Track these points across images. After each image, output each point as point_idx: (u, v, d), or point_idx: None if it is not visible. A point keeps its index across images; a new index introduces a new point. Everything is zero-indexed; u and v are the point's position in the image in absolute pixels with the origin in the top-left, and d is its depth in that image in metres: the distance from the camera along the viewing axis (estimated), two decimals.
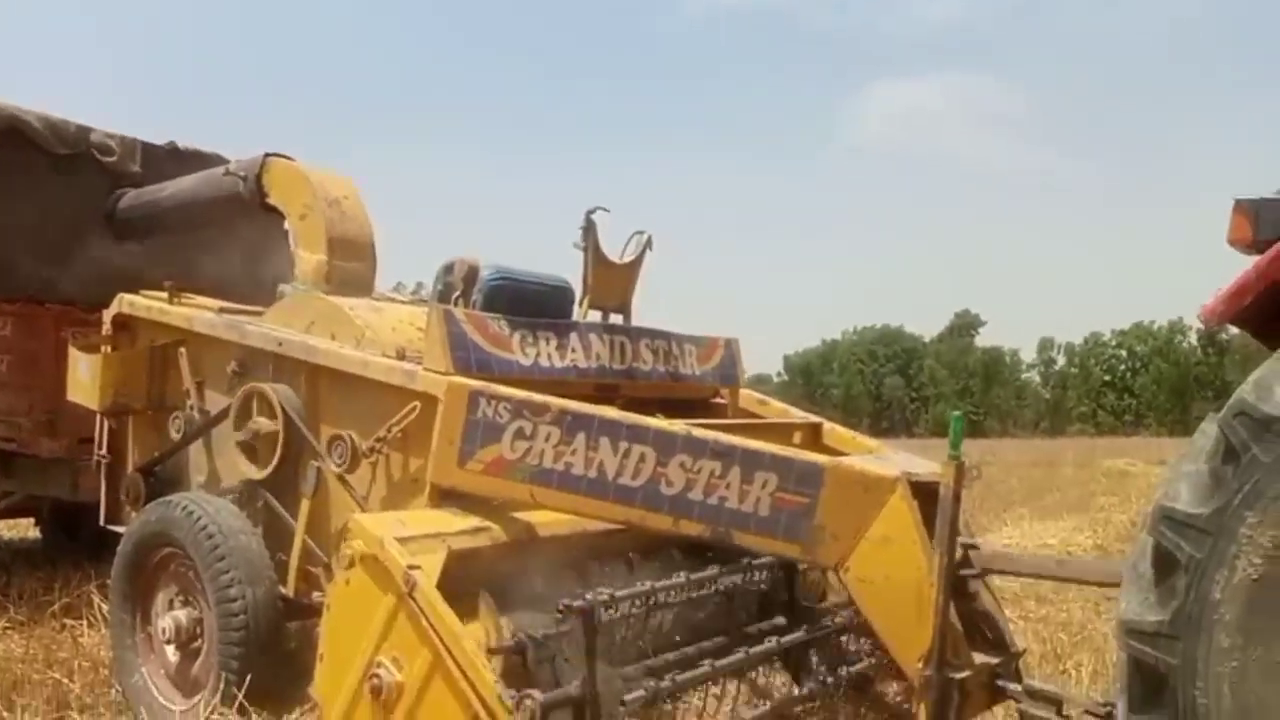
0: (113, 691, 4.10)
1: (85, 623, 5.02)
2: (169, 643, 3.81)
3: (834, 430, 4.28)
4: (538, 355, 3.76)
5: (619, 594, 3.03)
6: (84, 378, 4.65)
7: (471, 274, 3.78)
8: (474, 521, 3.32)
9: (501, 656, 2.87)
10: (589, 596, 2.85)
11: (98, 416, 4.74)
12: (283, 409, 3.77)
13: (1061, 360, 72.38)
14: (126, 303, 4.65)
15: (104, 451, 4.72)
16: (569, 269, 4.31)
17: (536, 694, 2.68)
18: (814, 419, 4.37)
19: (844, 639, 3.71)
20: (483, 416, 3.36)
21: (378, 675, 2.97)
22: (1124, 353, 70.71)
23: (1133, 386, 68.18)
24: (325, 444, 3.66)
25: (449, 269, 3.85)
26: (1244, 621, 2.07)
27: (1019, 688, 3.12)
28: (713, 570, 3.40)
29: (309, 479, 3.67)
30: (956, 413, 3.15)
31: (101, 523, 4.73)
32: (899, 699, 3.66)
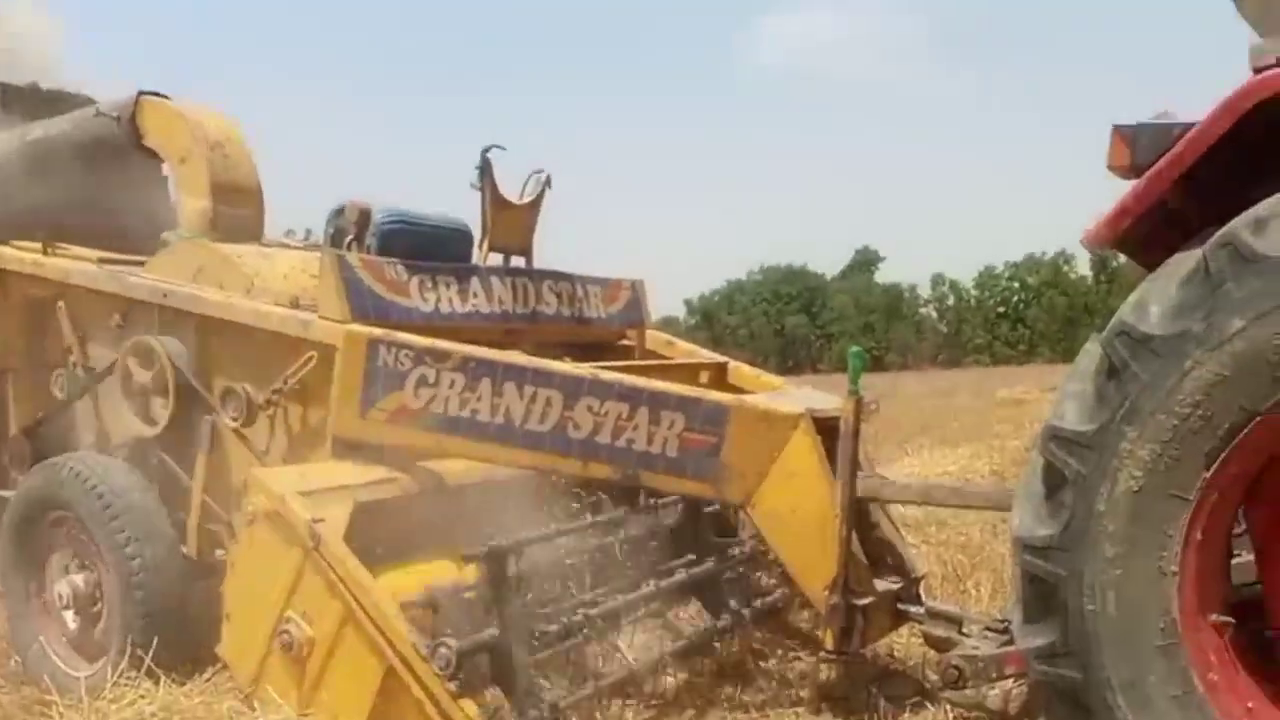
0: (12, 662, 3.95)
1: None
2: (67, 608, 3.68)
3: (739, 369, 4.32)
4: (438, 301, 3.69)
5: (524, 538, 3.03)
6: None
7: (364, 217, 3.67)
8: (380, 473, 3.27)
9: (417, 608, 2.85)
10: (492, 543, 2.84)
11: None
12: (171, 363, 3.62)
13: (952, 297, 74.43)
14: None
15: None
16: (467, 212, 4.24)
17: (451, 641, 2.68)
18: (720, 358, 4.41)
19: (757, 574, 3.78)
20: (383, 365, 3.29)
21: (287, 631, 2.93)
22: (1016, 284, 73.06)
23: (1025, 317, 70.59)
24: (219, 397, 3.54)
25: (339, 212, 3.73)
26: (1126, 532, 2.18)
27: (921, 610, 3.25)
28: (618, 512, 3.41)
29: (203, 434, 3.55)
30: (855, 349, 3.22)
31: None
32: (808, 626, 3.76)
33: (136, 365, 3.72)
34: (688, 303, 74.05)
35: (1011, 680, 2.86)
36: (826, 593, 3.06)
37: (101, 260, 4.21)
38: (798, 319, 71.78)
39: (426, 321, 3.60)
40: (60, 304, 4.15)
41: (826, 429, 3.18)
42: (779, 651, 3.74)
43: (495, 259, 4.16)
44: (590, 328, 4.36)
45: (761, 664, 3.64)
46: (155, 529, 3.49)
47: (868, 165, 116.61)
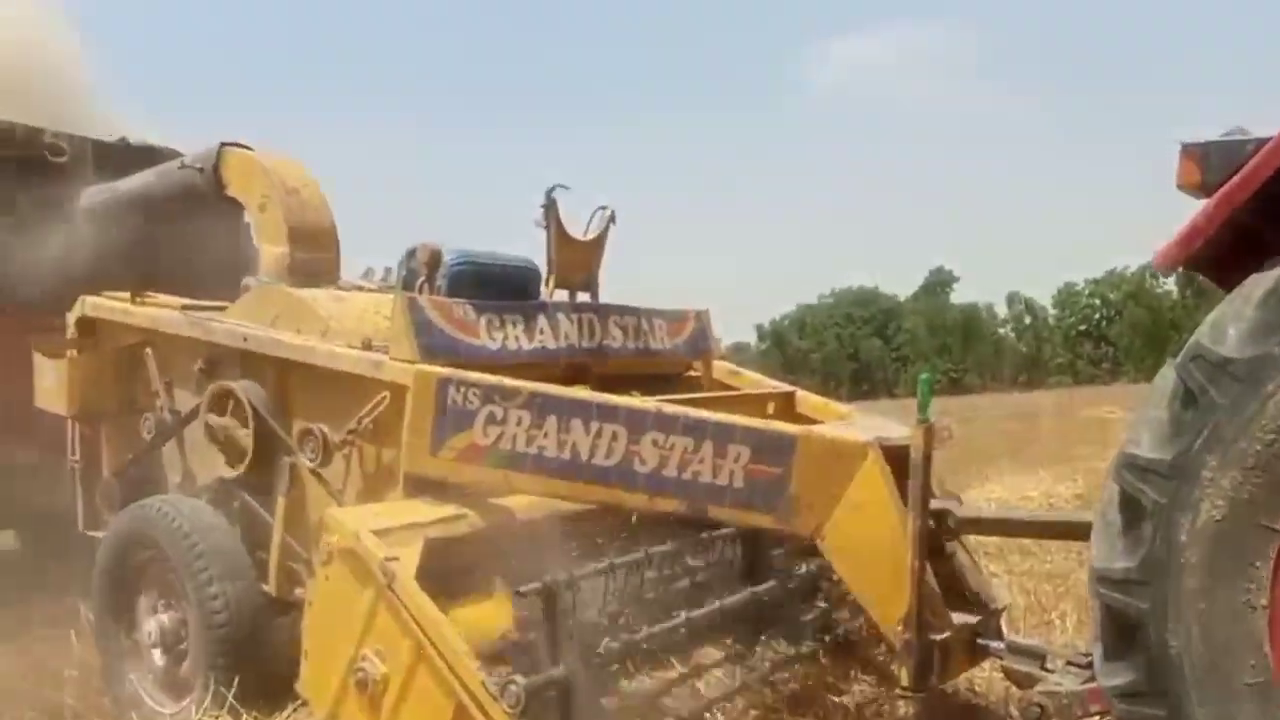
0: (105, 700, 4.09)
1: (72, 632, 5.00)
2: (155, 647, 3.80)
3: (806, 398, 4.29)
4: (505, 339, 3.74)
5: (579, 573, 3.04)
6: (50, 383, 4.59)
7: (434, 259, 3.75)
8: (450, 510, 3.31)
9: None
10: (547, 579, 2.85)
11: (68, 421, 4.69)
12: (251, 406, 3.74)
13: (1028, 316, 72.80)
14: (89, 305, 4.59)
15: (76, 457, 4.67)
16: (533, 247, 4.29)
17: (519, 679, 2.69)
18: (786, 388, 4.38)
19: (829, 606, 3.73)
20: (453, 404, 3.34)
21: (363, 669, 2.97)
22: (1098, 301, 71.20)
23: (1109, 334, 68.75)
24: (297, 439, 3.64)
25: (411, 254, 3.82)
26: (1210, 563, 2.10)
27: (1001, 645, 3.16)
28: (674, 544, 3.41)
29: (283, 475, 3.65)
30: (924, 375, 3.16)
31: (80, 528, 4.69)
32: (884, 660, 3.69)
33: (219, 409, 3.85)
34: (758, 328, 73.73)
35: (1099, 718, 2.78)
36: (900, 628, 3.00)
37: (185, 307, 4.37)
38: (871, 342, 70.96)
39: (494, 359, 3.66)
40: (148, 350, 4.33)
41: (897, 459, 3.13)
42: (854, 686, 3.67)
43: (561, 295, 4.21)
44: (656, 360, 4.38)
45: (835, 698, 3.58)
46: (237, 568, 3.60)
47: (937, 185, 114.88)
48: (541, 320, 3.88)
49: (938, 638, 3.01)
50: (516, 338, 3.78)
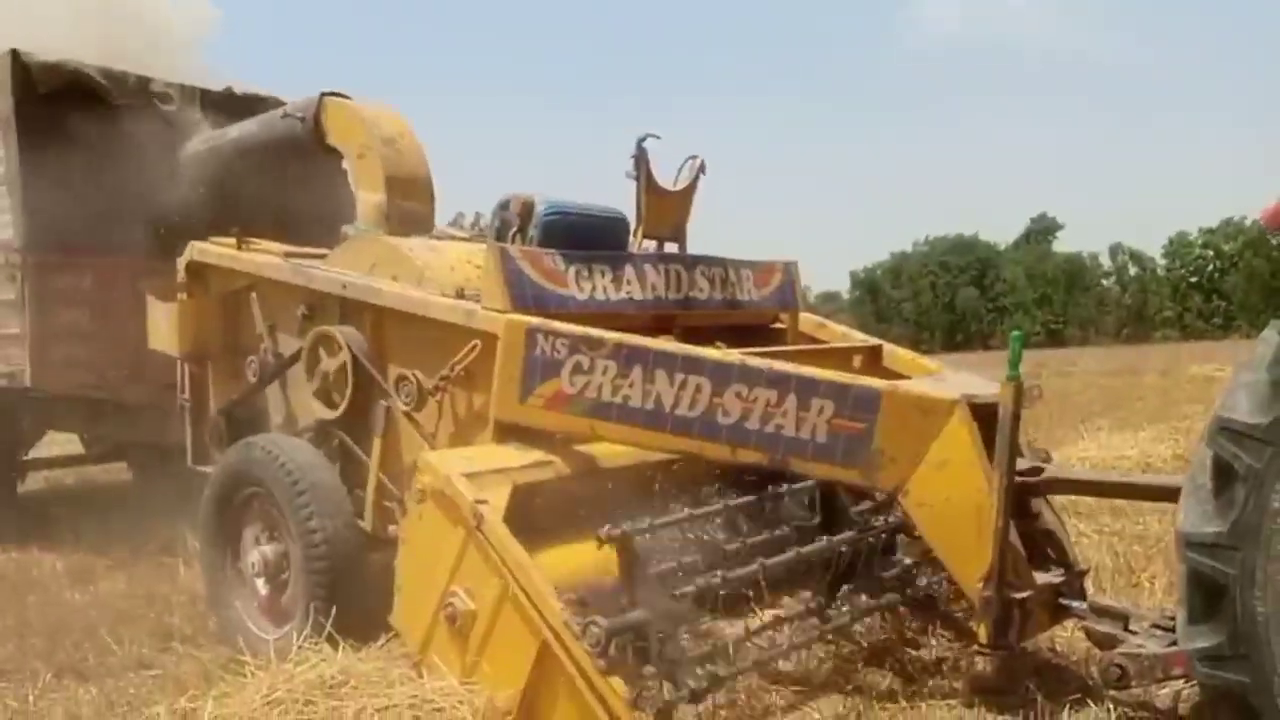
0: (210, 623, 4.36)
1: (180, 560, 5.32)
2: (258, 576, 4.01)
3: (894, 352, 4.25)
4: (593, 289, 3.79)
5: (659, 520, 3.10)
6: (163, 325, 4.83)
7: (527, 210, 3.80)
8: (536, 455, 3.40)
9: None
10: (626, 526, 2.92)
11: (178, 362, 4.93)
12: (350, 350, 3.88)
13: (1133, 267, 69.85)
14: (198, 250, 4.79)
15: (186, 395, 4.92)
16: (624, 201, 4.31)
17: (601, 620, 2.77)
18: (873, 341, 4.34)
19: (906, 560, 3.73)
20: (541, 353, 3.42)
21: (452, 604, 3.10)
22: (1211, 252, 67.93)
23: (1221, 287, 65.68)
24: (393, 383, 3.77)
25: (504, 205, 3.88)
26: None
27: (1084, 605, 3.13)
28: (752, 496, 3.45)
29: (378, 418, 3.79)
30: (1016, 332, 3.11)
31: (189, 463, 4.95)
32: (962, 616, 3.68)
33: (320, 352, 4.01)
34: (852, 274, 72.42)
35: (1183, 681, 2.74)
36: (981, 585, 2.99)
37: (288, 254, 4.54)
38: (968, 292, 69.14)
39: (582, 309, 3.72)
40: (253, 294, 4.51)
41: (984, 416, 3.10)
42: (931, 641, 3.68)
43: (650, 246, 4.23)
44: (743, 311, 4.39)
45: (912, 652, 3.60)
46: (337, 505, 3.76)
47: (1043, 133, 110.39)
48: (629, 270, 3.92)
49: (1019, 596, 3.01)
50: (604, 288, 3.83)
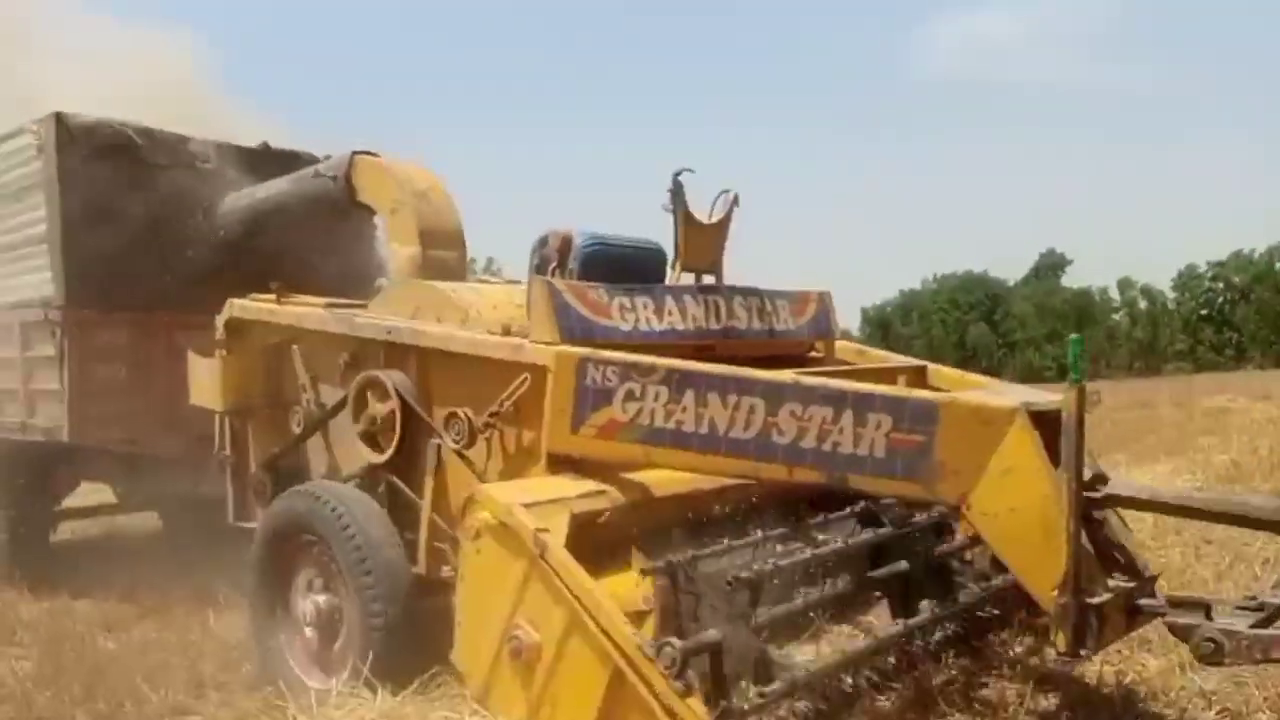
0: (244, 669, 4.36)
1: (210, 609, 5.33)
2: (309, 624, 3.97)
3: (940, 371, 4.25)
4: (636, 320, 3.82)
5: (782, 563, 3.08)
6: (205, 381, 4.85)
7: (566, 244, 3.84)
8: (591, 485, 3.39)
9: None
10: (672, 558, 2.91)
11: (217, 416, 4.95)
12: (397, 393, 3.89)
13: (1143, 301, 69.92)
14: (238, 307, 4.83)
15: (226, 451, 4.92)
16: (649, 231, 4.35)
17: (675, 641, 2.73)
18: (918, 362, 4.35)
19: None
20: (592, 382, 3.42)
21: (516, 637, 3.06)
22: (1220, 284, 67.93)
23: (1233, 319, 65.56)
24: (442, 422, 3.76)
25: (543, 242, 3.92)
26: None
27: (1161, 602, 3.07)
28: (819, 519, 3.42)
29: (430, 457, 3.78)
30: (1075, 336, 3.10)
31: (230, 520, 4.94)
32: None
33: (366, 398, 4.02)
34: (863, 311, 72.49)
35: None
36: (1055, 593, 2.94)
37: (328, 305, 4.57)
38: (978, 328, 69.08)
39: (627, 340, 3.74)
40: (294, 347, 4.54)
41: (1044, 423, 3.08)
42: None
43: (687, 278, 4.26)
44: (780, 341, 4.40)
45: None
46: (391, 553, 3.74)
47: (1049, 167, 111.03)
48: (669, 302, 3.94)
49: (1094, 601, 2.95)
50: (647, 319, 3.85)
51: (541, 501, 3.19)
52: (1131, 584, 3.15)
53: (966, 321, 69.54)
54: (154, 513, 7.86)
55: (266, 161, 6.53)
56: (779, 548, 3.43)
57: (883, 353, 4.60)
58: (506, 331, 3.74)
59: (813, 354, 4.61)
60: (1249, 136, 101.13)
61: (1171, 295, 69.71)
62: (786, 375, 3.34)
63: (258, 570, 4.17)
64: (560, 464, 3.48)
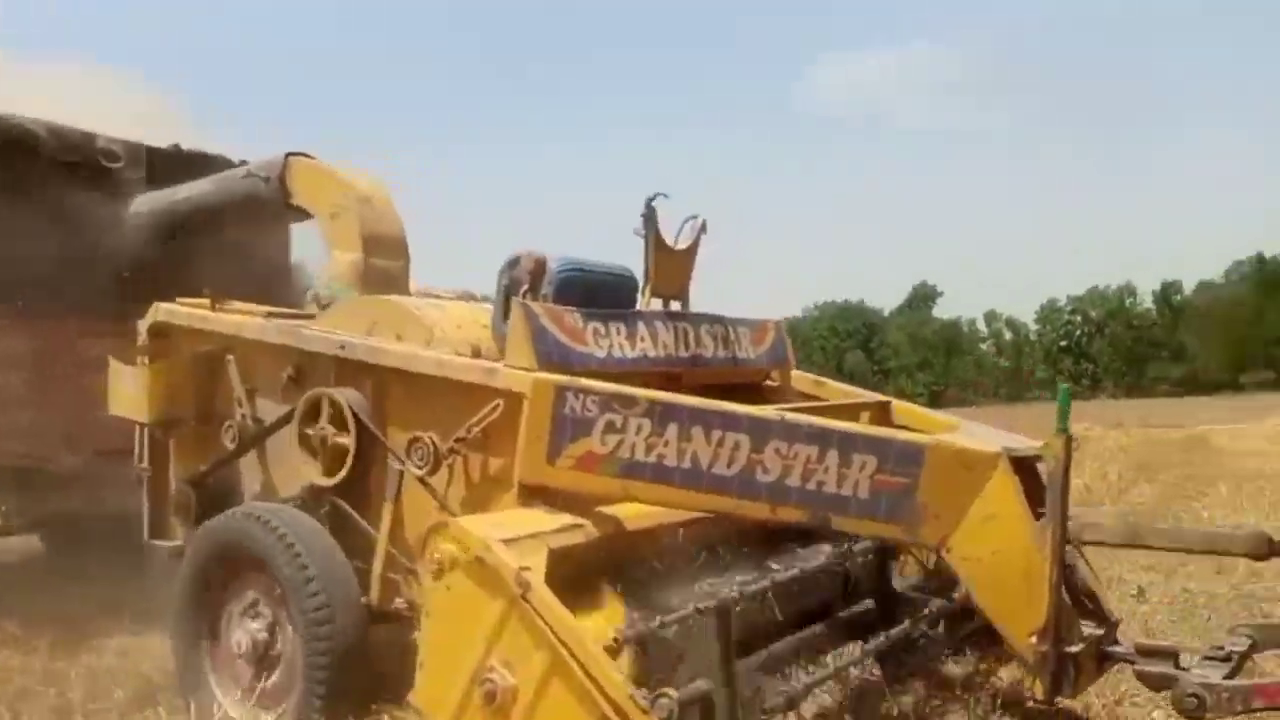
0: (115, 694, 4.13)
1: (80, 636, 5.00)
2: (241, 656, 3.72)
3: (905, 408, 4.29)
4: (610, 347, 3.72)
5: (747, 589, 3.02)
6: (129, 390, 4.50)
7: (540, 267, 3.71)
8: (566, 519, 3.26)
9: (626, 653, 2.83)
10: (723, 594, 2.82)
11: (138, 428, 4.61)
12: (353, 414, 3.68)
13: (1008, 333, 73.50)
14: (164, 311, 4.51)
15: (145, 465, 4.58)
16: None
17: (672, 692, 2.64)
18: (881, 397, 4.37)
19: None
20: (571, 412, 3.30)
21: (491, 680, 2.92)
22: (1079, 318, 71.82)
23: (1089, 351, 69.36)
24: (406, 447, 3.57)
25: (514, 264, 3.77)
26: None
27: (1130, 649, 3.14)
28: (817, 557, 3.39)
29: (391, 483, 3.58)
30: (1063, 385, 3.15)
31: (146, 537, 4.60)
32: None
33: (316, 416, 3.79)
34: None
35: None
36: (1034, 640, 2.97)
37: (270, 314, 4.31)
38: (855, 355, 71.19)
39: (602, 367, 3.63)
40: (229, 357, 4.26)
41: (1022, 469, 3.12)
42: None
43: (655, 304, 4.18)
44: (742, 369, 4.37)
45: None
46: (343, 582, 3.53)
47: (921, 202, 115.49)
48: (642, 328, 3.86)
49: (1072, 650, 3.00)
50: (620, 345, 3.75)
51: (520, 537, 3.06)
52: (1101, 631, 3.23)
53: (844, 349, 71.62)
54: (35, 536, 7.28)
55: (177, 164, 6.16)
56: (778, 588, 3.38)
57: (842, 385, 4.60)
58: (476, 353, 3.59)
59: (769, 383, 4.59)
60: (1107, 177, 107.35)
61: (1034, 327, 73.35)
62: (772, 412, 3.30)
63: (185, 595, 3.88)
64: (532, 495, 3.35)
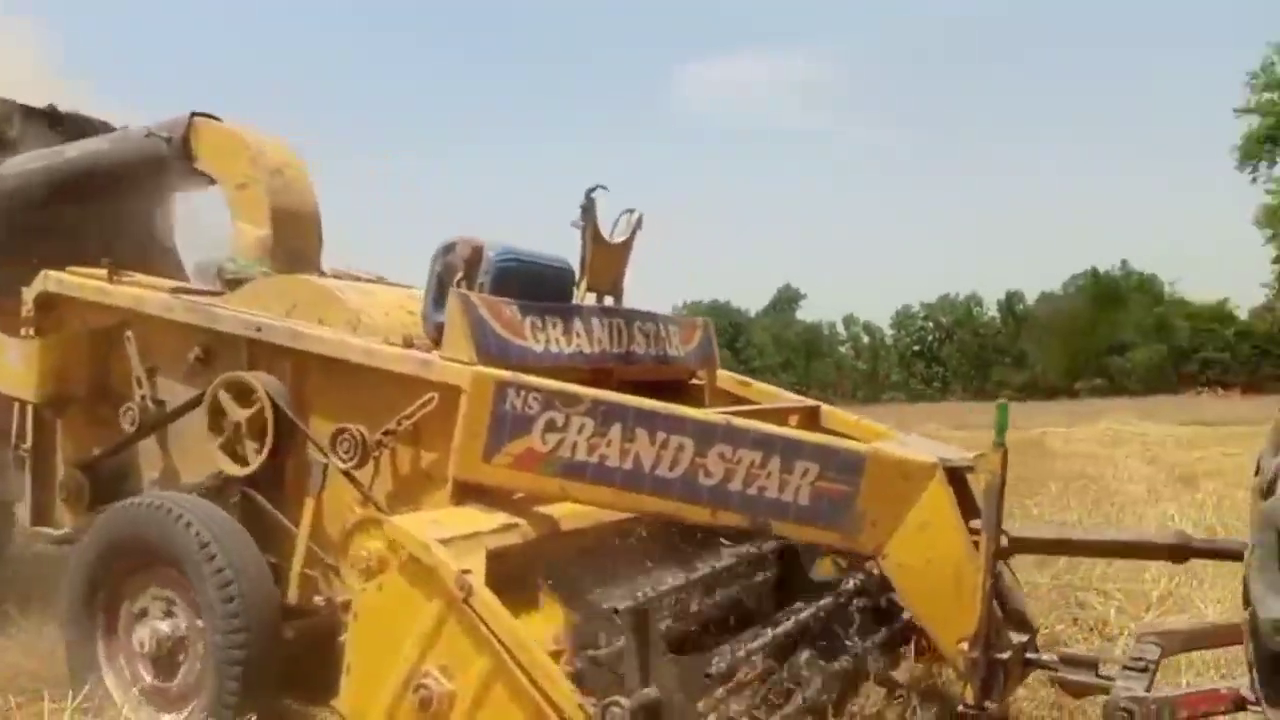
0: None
1: None
2: (144, 654, 3.47)
3: (833, 413, 4.33)
4: (547, 341, 3.63)
5: (662, 590, 2.99)
6: (15, 364, 4.12)
7: (477, 254, 3.57)
8: (501, 518, 3.17)
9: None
10: (640, 596, 2.79)
11: (18, 406, 4.24)
12: (271, 400, 3.48)
13: (865, 336, 76.31)
14: (54, 280, 4.16)
15: (27, 445, 4.22)
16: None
17: (624, 701, 2.59)
18: (811, 402, 4.41)
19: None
20: (511, 408, 3.21)
21: (426, 685, 2.81)
22: (931, 324, 75.11)
23: (940, 355, 72.60)
24: (330, 438, 3.39)
25: (448, 249, 3.62)
26: None
27: (1054, 658, 3.26)
28: (742, 555, 3.40)
29: (314, 476, 3.40)
30: (1001, 402, 3.23)
31: (29, 525, 4.25)
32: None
33: (230, 401, 3.56)
34: None
35: None
36: (964, 647, 3.05)
37: (175, 290, 4.04)
38: (722, 355, 72.53)
39: (539, 362, 3.54)
40: (128, 334, 3.96)
41: (955, 479, 3.20)
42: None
43: (589, 299, 4.10)
44: (672, 367, 4.34)
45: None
46: (257, 577, 3.33)
47: (788, 206, 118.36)
48: (577, 323, 3.78)
49: (1001, 657, 3.09)
50: (556, 340, 3.67)
51: (458, 536, 2.95)
52: (1024, 638, 3.34)
53: None
54: None
55: (53, 124, 5.69)
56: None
57: (768, 386, 4.63)
58: (408, 343, 3.44)
59: (695, 381, 4.57)
60: (958, 192, 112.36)
61: (890, 332, 76.32)
62: (717, 416, 3.28)
63: (78, 589, 3.59)
64: (465, 492, 3.24)
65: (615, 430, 3.20)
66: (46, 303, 4.18)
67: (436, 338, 3.57)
